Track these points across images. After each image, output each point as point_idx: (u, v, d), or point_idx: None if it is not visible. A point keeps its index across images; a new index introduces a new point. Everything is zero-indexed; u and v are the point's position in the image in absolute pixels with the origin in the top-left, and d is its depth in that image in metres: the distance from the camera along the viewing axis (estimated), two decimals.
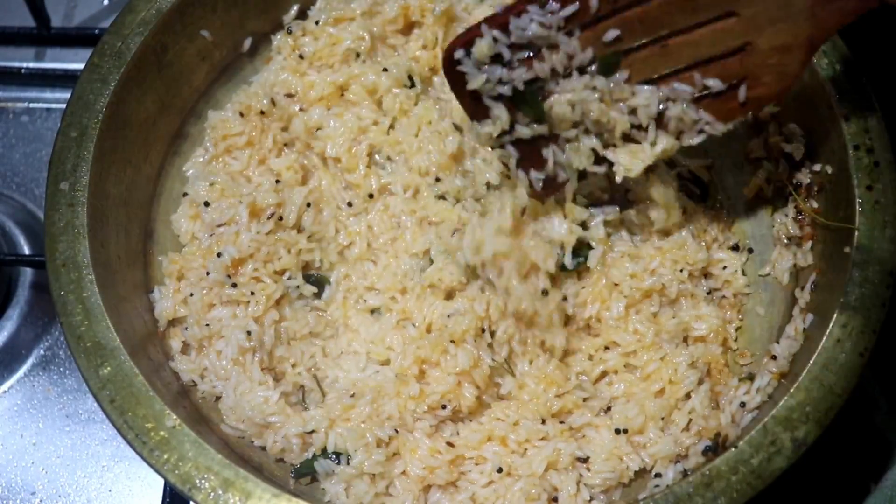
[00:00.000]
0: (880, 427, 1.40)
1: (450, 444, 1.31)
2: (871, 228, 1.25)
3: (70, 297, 1.27)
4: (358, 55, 1.54)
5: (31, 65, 1.88)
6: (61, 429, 1.57)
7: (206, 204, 1.44)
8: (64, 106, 1.40)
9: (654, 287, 1.38)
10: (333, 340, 1.45)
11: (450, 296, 1.40)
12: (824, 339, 1.20)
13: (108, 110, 1.39)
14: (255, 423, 1.33)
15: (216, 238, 1.41)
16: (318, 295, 1.46)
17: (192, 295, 1.40)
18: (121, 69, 1.42)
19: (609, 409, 1.35)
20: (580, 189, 1.36)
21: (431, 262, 1.41)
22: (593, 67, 1.24)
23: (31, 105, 1.86)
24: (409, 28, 1.61)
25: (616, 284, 1.38)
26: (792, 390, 1.18)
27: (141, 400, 1.21)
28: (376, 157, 1.52)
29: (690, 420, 1.32)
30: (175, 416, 1.20)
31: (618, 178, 1.30)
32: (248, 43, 1.62)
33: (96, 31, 1.84)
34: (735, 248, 1.47)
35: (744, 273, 1.46)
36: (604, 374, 1.39)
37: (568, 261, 1.37)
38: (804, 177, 1.41)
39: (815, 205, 1.38)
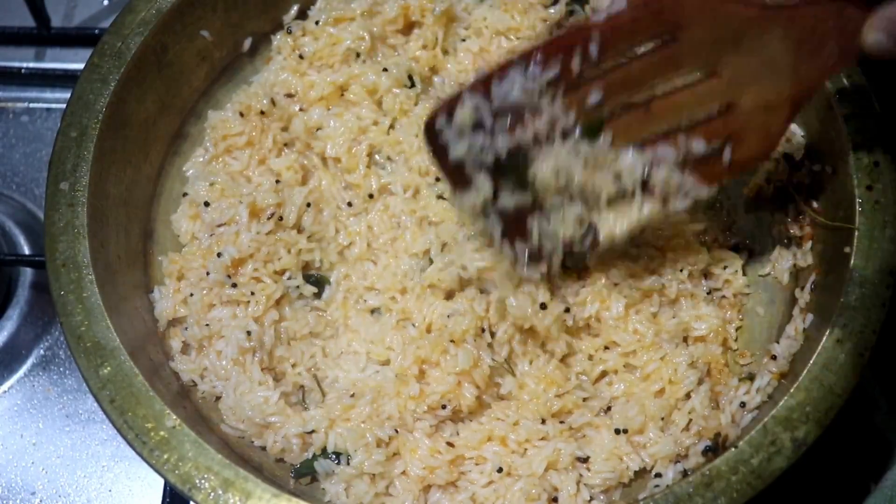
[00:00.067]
0: (880, 427, 1.40)
1: (450, 444, 1.31)
2: (871, 228, 1.25)
3: (70, 297, 1.27)
4: (358, 55, 1.54)
5: (31, 65, 1.88)
6: (61, 429, 1.57)
7: (206, 204, 1.44)
8: (64, 106, 1.40)
9: (654, 287, 1.38)
10: (333, 340, 1.45)
11: (450, 296, 1.40)
12: (824, 339, 1.20)
13: (108, 110, 1.40)
14: (255, 423, 1.33)
15: (216, 238, 1.41)
16: (318, 295, 1.46)
17: (192, 295, 1.40)
18: (121, 69, 1.42)
19: (609, 409, 1.35)
20: (566, 259, 1.34)
21: (431, 262, 1.41)
22: (577, 132, 1.21)
23: (31, 105, 1.86)
24: (409, 28, 1.61)
25: (616, 284, 1.38)
26: (792, 390, 1.18)
27: (141, 400, 1.21)
28: (376, 157, 1.52)
29: (690, 420, 1.32)
30: (175, 416, 1.20)
31: (600, 237, 1.28)
32: (248, 43, 1.62)
33: (96, 31, 1.84)
34: (735, 248, 1.47)
35: (744, 273, 1.46)
36: (604, 374, 1.39)
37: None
38: (804, 177, 1.41)
39: (815, 205, 1.38)
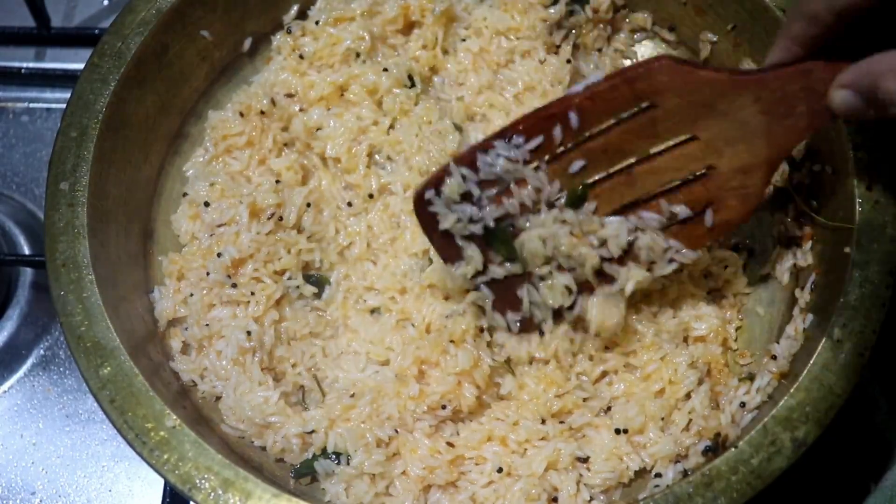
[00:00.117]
0: (880, 427, 1.40)
1: (450, 444, 1.31)
2: (871, 228, 1.25)
3: (70, 297, 1.27)
4: (358, 55, 1.54)
5: (31, 65, 1.88)
6: (61, 429, 1.57)
7: (206, 204, 1.44)
8: (64, 106, 1.40)
9: (654, 287, 1.38)
10: (333, 340, 1.45)
11: (449, 296, 1.40)
12: (824, 338, 1.20)
13: (108, 110, 1.39)
14: (255, 424, 1.33)
15: (216, 238, 1.41)
16: (318, 295, 1.46)
17: (192, 295, 1.40)
18: (121, 69, 1.42)
19: (609, 409, 1.35)
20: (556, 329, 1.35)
21: (431, 261, 1.41)
22: (562, 201, 1.25)
23: (31, 105, 1.86)
24: (409, 28, 1.61)
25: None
26: (792, 390, 1.18)
27: (141, 400, 1.21)
28: (376, 157, 1.52)
29: (690, 420, 1.32)
30: (175, 417, 1.20)
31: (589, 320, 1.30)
32: (248, 43, 1.61)
33: (96, 31, 1.84)
34: (735, 248, 1.47)
35: (744, 273, 1.46)
36: (604, 374, 1.38)
37: None
38: (804, 177, 1.41)
39: (815, 205, 1.38)
